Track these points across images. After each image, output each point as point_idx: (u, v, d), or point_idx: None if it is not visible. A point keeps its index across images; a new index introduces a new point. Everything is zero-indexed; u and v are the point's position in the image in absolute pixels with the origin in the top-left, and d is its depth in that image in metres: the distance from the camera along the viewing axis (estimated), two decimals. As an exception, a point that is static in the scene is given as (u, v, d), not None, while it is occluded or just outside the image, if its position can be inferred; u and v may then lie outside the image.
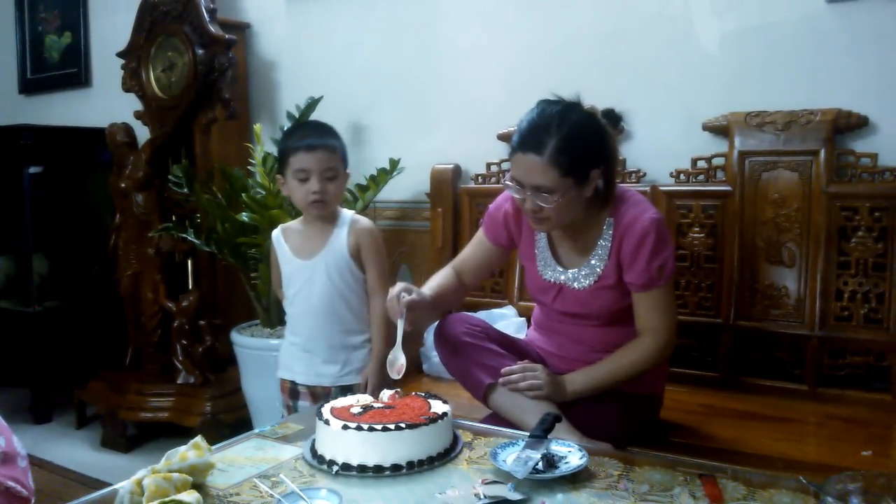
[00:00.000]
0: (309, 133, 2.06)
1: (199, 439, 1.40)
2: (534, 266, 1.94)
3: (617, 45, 2.57)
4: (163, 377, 3.19)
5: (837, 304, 2.17)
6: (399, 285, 1.77)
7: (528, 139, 1.71)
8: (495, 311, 2.56)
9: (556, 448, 1.47)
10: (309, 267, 2.08)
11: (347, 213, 2.13)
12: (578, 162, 1.70)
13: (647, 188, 2.39)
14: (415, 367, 2.53)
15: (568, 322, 1.92)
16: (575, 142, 1.69)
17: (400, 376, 1.70)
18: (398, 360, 1.71)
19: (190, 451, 1.36)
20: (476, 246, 2.04)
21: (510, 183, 1.77)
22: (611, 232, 1.81)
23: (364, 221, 2.14)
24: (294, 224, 2.18)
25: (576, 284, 1.85)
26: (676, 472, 1.40)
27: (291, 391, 2.15)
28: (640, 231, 1.76)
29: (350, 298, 2.09)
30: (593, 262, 1.83)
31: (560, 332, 1.95)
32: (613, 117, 1.87)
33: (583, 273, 1.85)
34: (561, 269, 1.88)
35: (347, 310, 2.09)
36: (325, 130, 2.09)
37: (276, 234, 2.17)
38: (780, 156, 2.24)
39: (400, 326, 1.73)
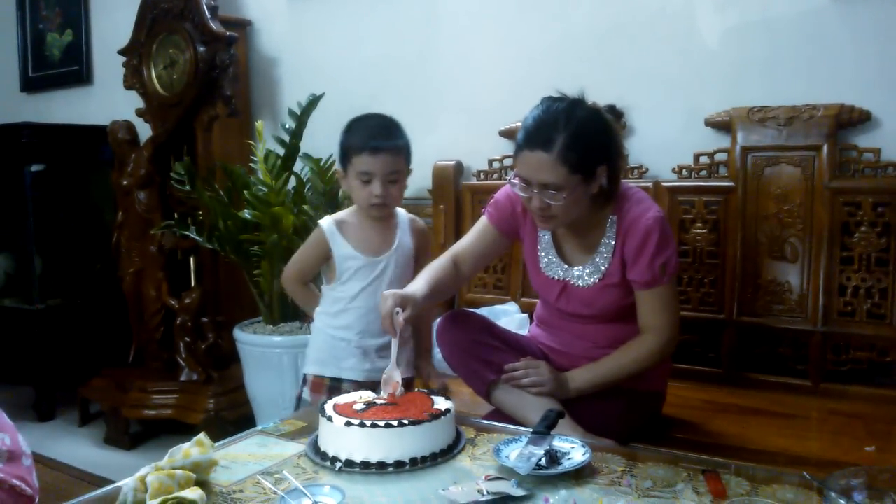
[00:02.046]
0: (374, 132, 1.96)
1: (202, 436, 1.40)
2: (537, 264, 1.94)
3: (619, 41, 2.57)
4: (166, 374, 3.19)
5: (840, 300, 2.17)
6: (390, 299, 1.70)
7: (535, 136, 1.70)
8: (498, 307, 2.56)
9: (560, 444, 1.47)
10: (377, 264, 2.01)
11: (402, 212, 2.10)
12: (586, 159, 1.70)
13: (650, 184, 2.39)
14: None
15: (571, 319, 1.92)
16: (583, 138, 1.69)
17: (396, 392, 1.64)
18: (393, 378, 1.65)
19: (193, 448, 1.36)
20: (478, 234, 1.99)
21: (516, 181, 1.76)
22: (614, 230, 1.81)
23: (421, 223, 2.13)
24: (347, 217, 2.07)
25: (580, 282, 1.85)
26: (680, 467, 1.40)
27: (331, 389, 2.01)
28: (643, 229, 1.76)
29: None
30: (598, 259, 1.83)
31: (563, 328, 1.95)
32: (615, 114, 1.87)
33: (587, 271, 1.84)
34: (566, 267, 1.88)
35: None
36: (391, 129, 2.01)
37: (330, 225, 2.04)
38: (783, 151, 2.24)
39: (394, 345, 1.68)
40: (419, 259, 2.08)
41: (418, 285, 1.82)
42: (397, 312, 1.68)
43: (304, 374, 2.09)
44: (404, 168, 2.00)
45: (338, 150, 2.04)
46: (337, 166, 2.09)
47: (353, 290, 2.02)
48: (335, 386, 2.01)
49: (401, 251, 2.04)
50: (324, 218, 2.08)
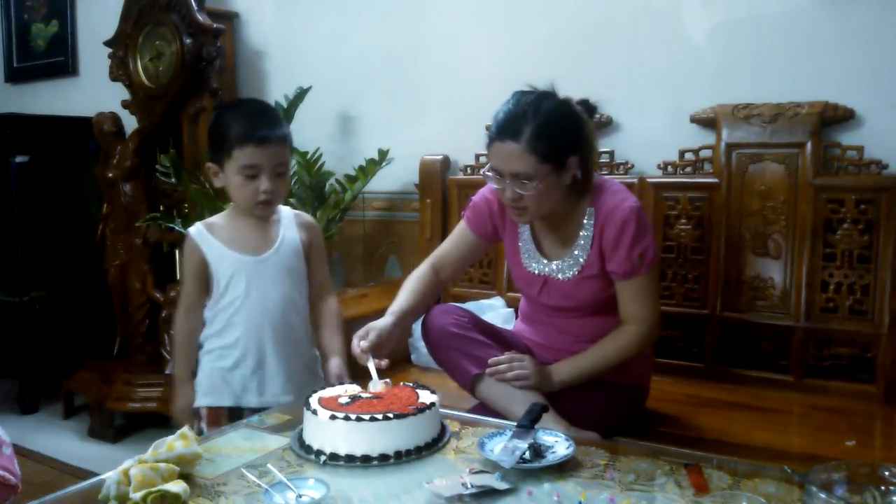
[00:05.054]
0: (257, 121, 1.73)
1: (186, 429, 1.40)
2: (518, 259, 1.95)
3: (606, 37, 2.58)
4: (150, 367, 3.19)
5: (823, 296, 2.19)
6: (357, 334, 1.74)
7: (504, 127, 1.73)
8: (484, 301, 2.57)
9: (543, 438, 1.47)
10: (258, 263, 1.79)
11: (284, 208, 1.89)
12: (555, 147, 1.72)
13: (635, 180, 2.40)
14: (403, 358, 2.54)
15: (554, 313, 1.93)
16: (551, 127, 1.71)
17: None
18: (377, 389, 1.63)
19: (177, 441, 1.36)
20: (458, 238, 2.02)
21: (489, 173, 1.79)
22: (591, 221, 1.83)
23: (308, 217, 1.94)
24: (217, 220, 1.86)
25: (560, 275, 1.86)
26: (662, 461, 1.41)
27: (231, 418, 1.78)
28: (620, 219, 1.77)
29: (302, 303, 1.88)
30: (576, 252, 1.84)
31: (546, 322, 1.96)
32: (588, 107, 1.88)
33: (567, 264, 1.86)
34: (545, 261, 1.89)
35: (303, 314, 1.89)
36: (274, 117, 1.79)
37: (199, 230, 1.81)
38: (767, 148, 2.25)
39: (371, 365, 1.68)
40: (311, 255, 1.89)
41: (397, 299, 1.88)
42: (362, 345, 1.73)
43: (197, 408, 1.83)
44: (289, 159, 1.81)
45: (210, 143, 1.80)
46: (208, 163, 1.81)
47: (236, 294, 1.79)
48: (236, 415, 1.79)
49: (286, 248, 1.83)
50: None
